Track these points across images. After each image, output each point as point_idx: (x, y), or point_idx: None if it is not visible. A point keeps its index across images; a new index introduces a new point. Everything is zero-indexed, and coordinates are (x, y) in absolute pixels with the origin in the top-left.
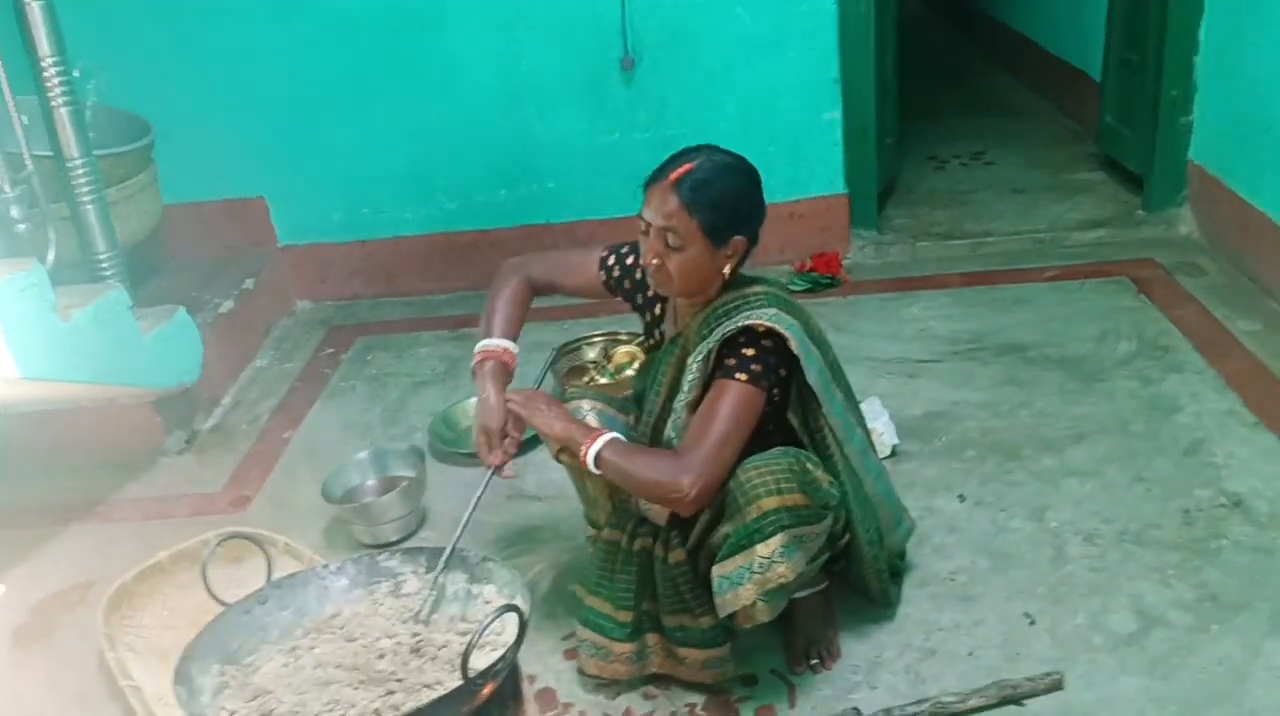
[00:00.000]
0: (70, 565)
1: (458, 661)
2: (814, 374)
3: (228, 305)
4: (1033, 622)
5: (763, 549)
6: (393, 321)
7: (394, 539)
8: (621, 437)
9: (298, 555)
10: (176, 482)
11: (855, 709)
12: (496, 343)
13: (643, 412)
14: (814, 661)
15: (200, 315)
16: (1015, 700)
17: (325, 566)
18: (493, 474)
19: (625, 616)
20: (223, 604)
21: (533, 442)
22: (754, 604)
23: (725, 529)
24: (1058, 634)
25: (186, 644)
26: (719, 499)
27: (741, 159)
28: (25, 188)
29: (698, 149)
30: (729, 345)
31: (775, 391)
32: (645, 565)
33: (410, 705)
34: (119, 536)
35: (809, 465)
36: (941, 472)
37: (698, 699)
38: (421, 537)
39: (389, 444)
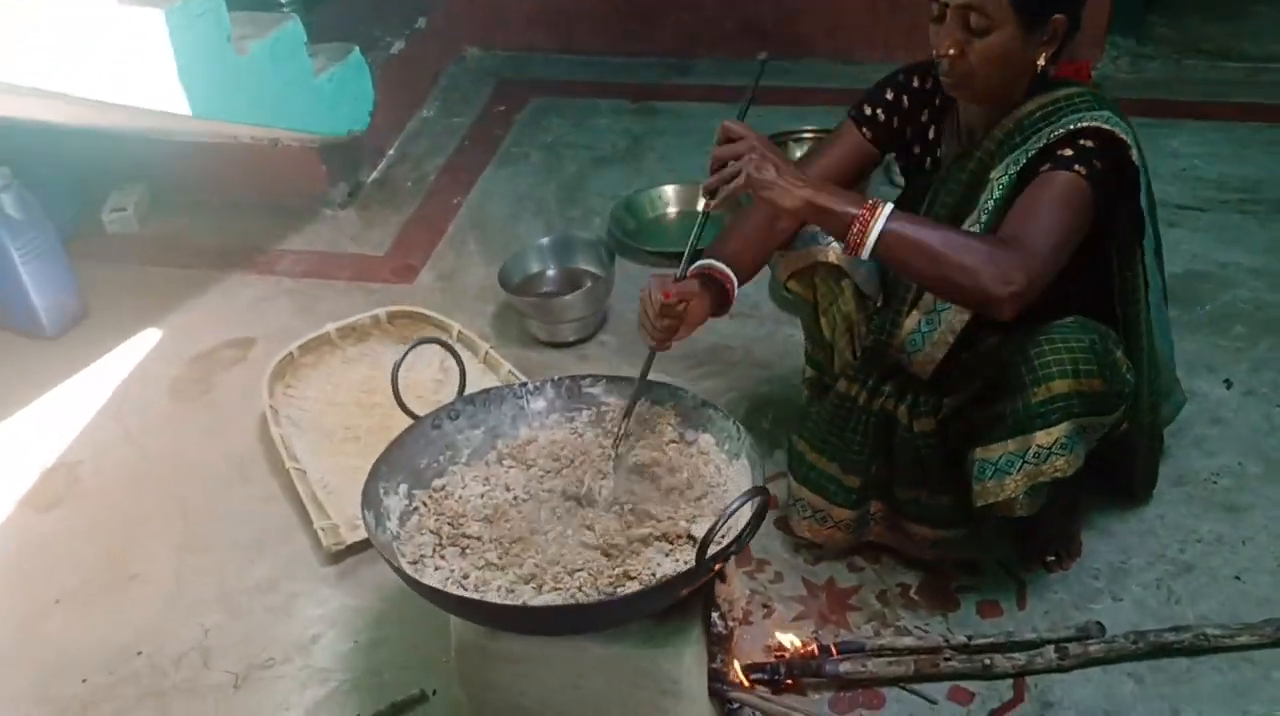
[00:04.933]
0: (229, 318)
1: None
2: (1144, 195)
3: (398, 45)
4: None
5: (1043, 437)
6: (569, 82)
7: (570, 339)
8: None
9: (472, 346)
10: (338, 240)
11: (1098, 623)
12: (717, 263)
13: None
14: (1050, 559)
15: (369, 55)
16: None
17: (523, 386)
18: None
19: (852, 481)
20: (413, 417)
21: None
22: (1016, 497)
23: (1000, 407)
24: None
25: (372, 461)
26: (996, 371)
27: None
28: None
29: None
30: (1051, 151)
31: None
32: (883, 428)
33: (627, 569)
34: (279, 292)
35: (1110, 344)
36: (1202, 348)
37: (912, 580)
38: (600, 341)
39: (573, 231)
